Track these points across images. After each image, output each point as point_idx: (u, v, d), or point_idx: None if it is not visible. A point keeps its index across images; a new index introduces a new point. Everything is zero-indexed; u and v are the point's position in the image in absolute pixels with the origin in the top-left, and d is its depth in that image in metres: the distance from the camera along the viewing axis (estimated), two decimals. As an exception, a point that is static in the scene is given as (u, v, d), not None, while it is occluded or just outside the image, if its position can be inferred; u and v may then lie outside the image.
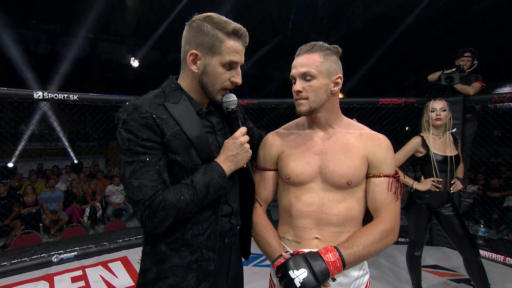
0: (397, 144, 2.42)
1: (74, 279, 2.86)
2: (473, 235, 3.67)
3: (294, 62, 1.11)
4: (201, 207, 0.98)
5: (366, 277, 1.15)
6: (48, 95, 3.08)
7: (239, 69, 1.04)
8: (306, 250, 1.06)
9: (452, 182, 2.30)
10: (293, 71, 1.11)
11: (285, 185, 1.21)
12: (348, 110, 4.13)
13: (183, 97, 1.02)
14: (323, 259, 0.97)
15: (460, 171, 2.41)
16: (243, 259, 1.27)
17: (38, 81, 11.78)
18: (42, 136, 9.80)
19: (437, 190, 2.27)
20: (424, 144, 2.30)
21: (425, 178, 2.34)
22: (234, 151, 1.01)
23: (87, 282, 2.82)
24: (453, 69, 3.44)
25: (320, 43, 1.12)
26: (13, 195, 5.47)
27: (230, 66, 1.01)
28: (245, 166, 1.07)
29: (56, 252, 3.25)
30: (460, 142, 2.41)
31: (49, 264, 3.15)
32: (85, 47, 13.69)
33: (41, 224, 5.40)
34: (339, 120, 1.20)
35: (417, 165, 2.45)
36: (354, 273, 1.10)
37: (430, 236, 3.69)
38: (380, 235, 1.04)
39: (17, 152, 7.78)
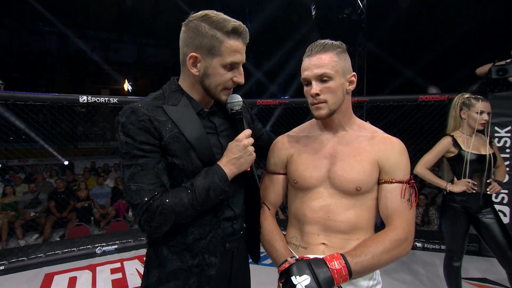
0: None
1: (113, 271, 3.07)
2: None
3: (307, 64, 1.05)
4: (202, 211, 0.96)
5: (378, 288, 1.08)
6: (91, 99, 3.34)
7: (241, 69, 1.01)
8: (311, 256, 1.02)
9: (488, 181, 2.08)
10: (307, 73, 1.04)
11: (294, 189, 1.17)
12: (390, 110, 3.92)
13: (183, 98, 1.01)
14: (328, 267, 0.92)
15: (500, 173, 2.19)
16: (254, 263, 1.25)
17: (93, 86, 12.92)
18: (95, 136, 10.72)
19: (474, 191, 2.06)
20: (456, 143, 2.10)
21: (458, 179, 2.14)
22: (237, 154, 0.98)
23: (124, 274, 3.01)
24: (508, 60, 3.08)
25: (330, 41, 1.07)
26: (71, 190, 6.05)
27: (231, 66, 0.98)
28: (248, 169, 1.03)
29: (100, 245, 3.52)
30: (495, 142, 2.18)
31: (93, 255, 3.42)
32: (132, 52, 14.64)
33: (92, 218, 5.87)
34: (351, 122, 1.14)
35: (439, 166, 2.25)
36: (363, 283, 1.03)
37: (478, 245, 3.35)
38: (391, 245, 0.97)
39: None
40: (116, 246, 3.53)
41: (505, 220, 3.16)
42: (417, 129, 3.83)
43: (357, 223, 1.05)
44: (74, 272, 3.06)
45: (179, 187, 0.94)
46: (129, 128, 0.91)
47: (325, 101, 1.04)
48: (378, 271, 1.10)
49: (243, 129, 1.04)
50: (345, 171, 1.05)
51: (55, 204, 5.66)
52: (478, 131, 2.12)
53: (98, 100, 3.33)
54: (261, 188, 1.25)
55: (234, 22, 0.95)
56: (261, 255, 1.24)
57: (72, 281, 2.89)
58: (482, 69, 3.28)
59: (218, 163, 0.99)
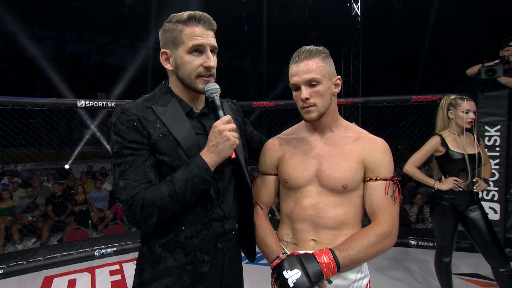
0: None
1: (112, 273, 3.10)
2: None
3: (295, 70, 1.10)
4: (189, 206, 0.98)
5: (365, 280, 1.13)
6: (89, 103, 3.38)
7: (209, 53, 1.02)
8: (302, 252, 1.07)
9: (474, 180, 2.15)
10: (296, 79, 1.10)
11: (285, 189, 1.23)
12: (384, 110, 3.99)
13: (172, 99, 1.05)
14: (317, 261, 0.98)
15: (486, 171, 2.27)
16: (250, 263, 1.27)
17: (89, 90, 12.92)
18: (92, 140, 10.72)
19: (460, 189, 2.14)
20: (444, 143, 2.18)
21: (445, 177, 2.22)
22: (214, 140, 0.97)
23: (123, 276, 3.04)
24: (496, 61, 3.15)
25: (314, 47, 1.12)
26: (69, 194, 6.06)
27: (198, 51, 1.01)
28: (233, 156, 1.01)
29: (98, 247, 3.54)
30: (482, 141, 2.26)
31: (92, 257, 3.45)
32: (129, 56, 14.61)
33: (90, 221, 5.89)
34: (338, 123, 1.20)
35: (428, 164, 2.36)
36: (351, 275, 1.09)
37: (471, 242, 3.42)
38: (377, 238, 1.03)
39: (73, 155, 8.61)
40: (114, 249, 3.56)
41: (496, 216, 3.23)
42: (410, 128, 3.91)
43: (345, 219, 1.11)
44: (73, 275, 3.09)
45: (162, 181, 0.96)
46: (119, 127, 0.95)
47: (314, 105, 1.10)
48: (365, 265, 1.16)
49: (222, 116, 1.02)
50: (332, 170, 1.11)
51: (52, 208, 5.68)
52: (466, 130, 2.19)
53: (96, 104, 3.37)
54: (253, 188, 1.31)
55: (191, 11, 1.00)
56: (257, 255, 1.28)
57: (72, 283, 2.92)
58: (472, 70, 3.35)
59: (200, 153, 0.99)
